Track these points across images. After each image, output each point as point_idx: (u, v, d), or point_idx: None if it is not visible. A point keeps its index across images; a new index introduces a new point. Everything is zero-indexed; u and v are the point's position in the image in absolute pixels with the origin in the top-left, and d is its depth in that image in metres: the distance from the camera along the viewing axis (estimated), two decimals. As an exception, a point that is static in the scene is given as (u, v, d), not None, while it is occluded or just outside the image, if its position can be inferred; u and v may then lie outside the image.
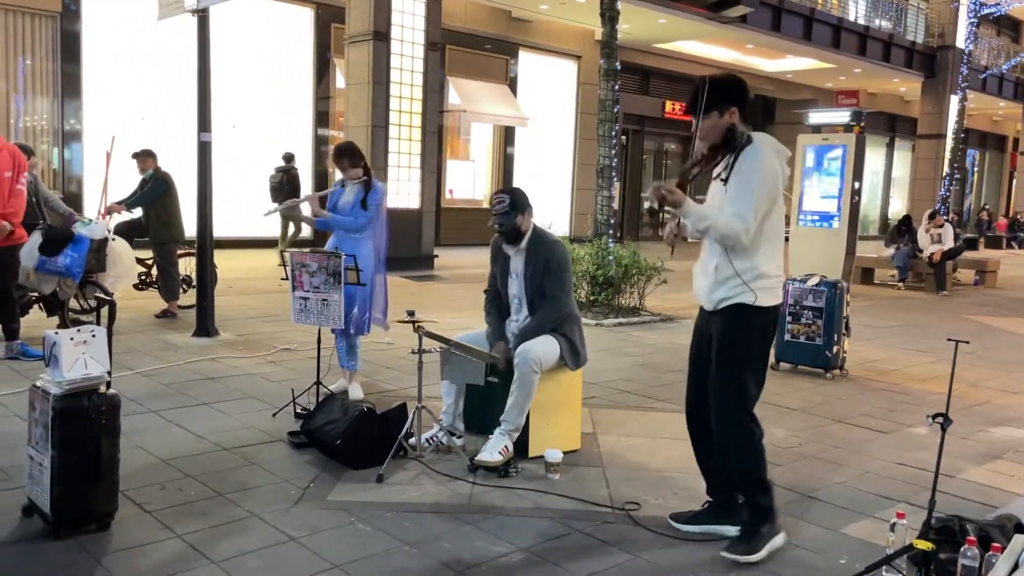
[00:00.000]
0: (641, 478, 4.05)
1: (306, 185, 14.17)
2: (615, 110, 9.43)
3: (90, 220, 6.62)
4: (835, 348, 6.44)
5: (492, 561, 3.09)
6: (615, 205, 9.66)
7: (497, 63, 18.10)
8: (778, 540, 3.25)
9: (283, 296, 7.58)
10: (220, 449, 4.21)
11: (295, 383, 5.29)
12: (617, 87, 9.48)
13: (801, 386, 6.16)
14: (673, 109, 22.31)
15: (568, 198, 19.87)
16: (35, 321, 6.66)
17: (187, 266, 8.16)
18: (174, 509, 3.43)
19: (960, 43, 23.09)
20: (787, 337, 6.58)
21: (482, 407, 4.35)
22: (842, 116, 12.01)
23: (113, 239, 6.71)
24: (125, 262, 6.83)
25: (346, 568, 2.98)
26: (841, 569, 3.15)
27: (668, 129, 22.79)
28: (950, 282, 13.37)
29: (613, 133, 9.45)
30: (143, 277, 8.42)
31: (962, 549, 2.85)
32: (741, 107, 3.23)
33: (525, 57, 18.62)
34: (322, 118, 15.44)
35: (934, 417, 3.05)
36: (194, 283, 7.48)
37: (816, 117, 12.23)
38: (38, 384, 3.20)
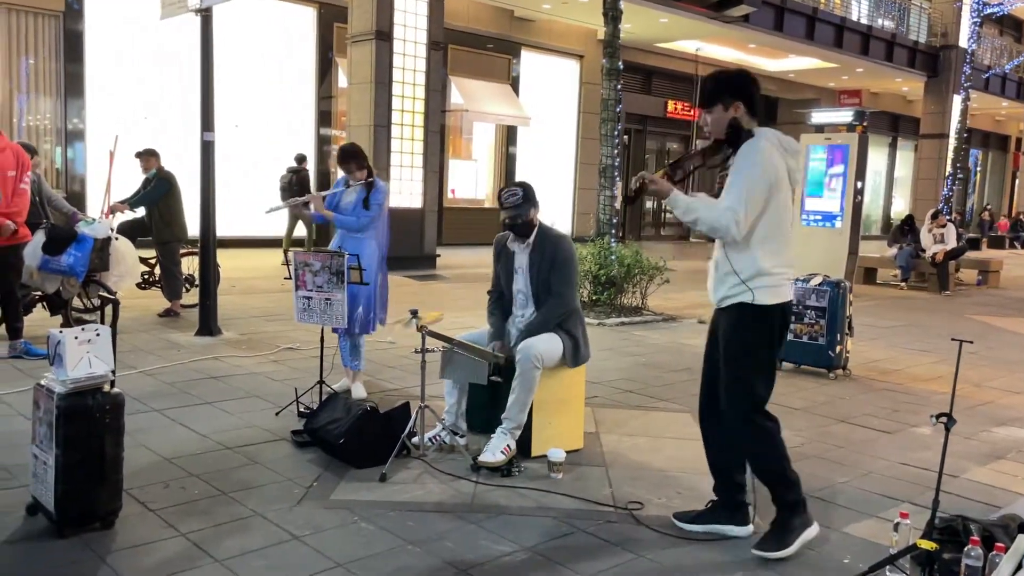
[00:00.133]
0: (644, 477, 4.04)
1: (315, 186, 14.17)
2: (617, 109, 9.43)
3: (93, 219, 6.62)
4: (838, 348, 6.44)
5: (495, 560, 3.09)
6: (617, 205, 9.65)
7: (499, 63, 18.11)
8: (811, 532, 3.23)
9: (286, 295, 7.56)
10: (223, 448, 4.21)
11: (298, 382, 5.30)
12: (619, 86, 9.47)
13: (804, 386, 6.15)
14: (675, 109, 22.32)
15: (570, 198, 19.88)
16: (38, 320, 6.67)
17: (190, 265, 8.18)
18: (178, 508, 3.44)
19: (963, 43, 23.07)
20: (790, 337, 6.57)
21: (485, 406, 4.35)
22: (845, 116, 11.97)
23: (116, 238, 6.72)
24: (128, 261, 6.83)
25: (349, 567, 2.99)
26: (844, 569, 3.15)
27: (670, 128, 22.80)
28: (953, 282, 13.36)
29: (615, 132, 9.45)
30: (146, 276, 8.43)
31: (966, 549, 2.85)
32: (747, 101, 3.20)
33: (527, 56, 18.62)
34: (324, 118, 15.45)
35: (938, 417, 3.05)
36: (197, 282, 7.50)
37: (819, 117, 12.20)
38: (42, 383, 3.21)
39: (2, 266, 5.81)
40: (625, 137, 20.17)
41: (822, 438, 4.85)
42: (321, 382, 4.92)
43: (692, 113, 22.63)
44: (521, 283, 4.33)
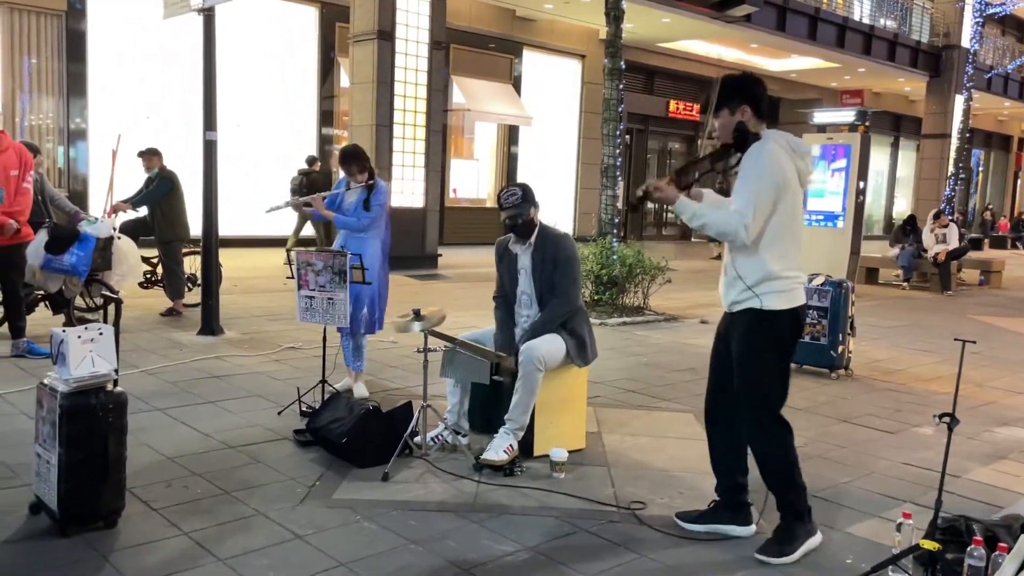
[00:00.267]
0: (646, 477, 4.04)
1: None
2: (619, 109, 9.43)
3: (96, 218, 6.63)
4: (840, 348, 6.43)
5: (498, 560, 3.10)
6: (619, 204, 9.65)
7: (501, 62, 18.11)
8: (814, 541, 3.25)
9: (288, 295, 7.57)
10: (226, 447, 4.22)
11: (300, 381, 5.30)
12: (621, 86, 9.47)
13: (806, 386, 6.15)
14: (677, 108, 22.31)
15: (572, 197, 19.88)
16: (41, 319, 6.68)
17: (192, 264, 8.18)
18: (180, 507, 3.44)
19: (965, 43, 23.05)
20: (792, 337, 6.57)
21: (487, 406, 4.35)
22: (847, 116, 11.97)
23: (119, 237, 6.73)
24: (130, 260, 6.84)
25: (351, 566, 2.99)
26: (847, 569, 3.15)
27: (672, 128, 22.79)
28: (955, 282, 13.35)
29: (617, 132, 9.45)
30: (148, 275, 8.44)
31: (968, 549, 2.85)
32: (754, 105, 3.19)
33: (529, 56, 18.62)
34: (326, 117, 15.46)
35: (941, 417, 3.05)
36: (199, 281, 7.50)
37: (821, 117, 12.20)
38: (46, 382, 3.21)
39: (5, 265, 5.82)
40: (627, 137, 20.17)
41: (824, 438, 4.85)
42: (323, 381, 4.93)
43: (694, 113, 22.63)
44: (525, 284, 4.33)
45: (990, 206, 32.02)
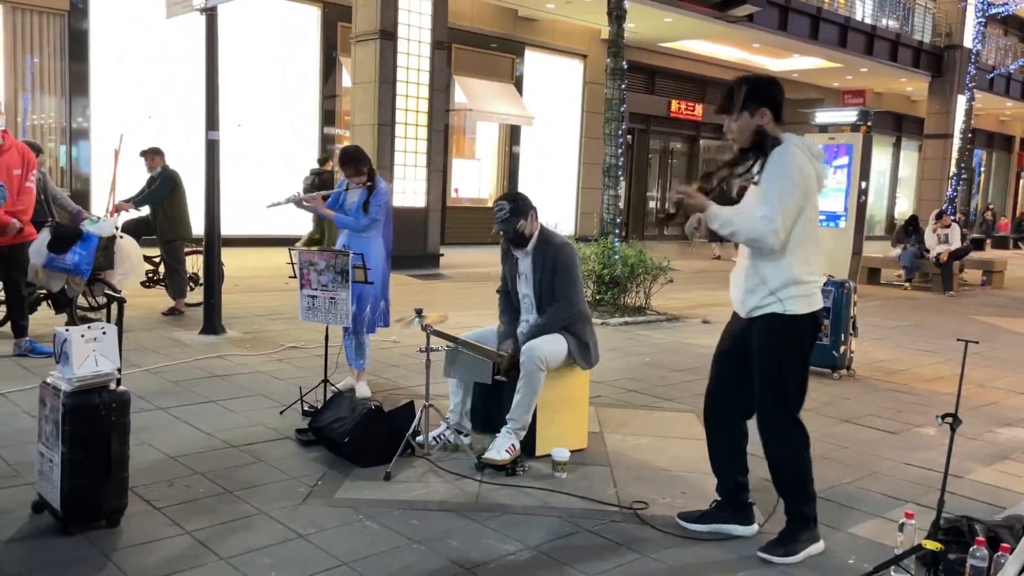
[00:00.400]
0: (648, 477, 4.05)
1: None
2: (621, 109, 9.43)
3: (98, 218, 6.64)
4: (842, 348, 6.43)
5: (500, 559, 3.10)
6: (621, 204, 9.65)
7: (503, 62, 18.10)
8: (816, 548, 3.24)
9: (290, 294, 7.57)
10: (228, 446, 4.22)
11: (302, 381, 5.30)
12: (623, 86, 9.47)
13: (808, 386, 6.13)
14: (679, 108, 22.30)
15: (574, 197, 19.87)
16: (43, 319, 6.69)
17: (194, 264, 8.19)
18: (183, 506, 3.44)
19: (967, 43, 23.03)
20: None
21: (489, 405, 4.36)
22: (849, 116, 11.98)
23: (121, 237, 6.74)
24: (133, 260, 6.85)
25: (354, 565, 2.99)
26: (849, 569, 3.15)
27: (674, 128, 22.78)
28: (957, 282, 13.34)
29: (619, 132, 9.45)
30: (151, 275, 8.45)
31: (971, 550, 2.85)
32: (773, 108, 3.15)
33: (531, 56, 18.61)
34: (328, 117, 15.46)
35: (943, 417, 3.05)
36: (201, 281, 7.51)
37: (823, 116, 12.21)
38: (49, 381, 3.22)
39: (8, 264, 5.83)
40: (628, 137, 20.15)
41: (826, 438, 4.85)
42: (326, 381, 4.93)
43: (696, 113, 22.62)
44: (525, 287, 4.33)
45: (991, 206, 31.99)
